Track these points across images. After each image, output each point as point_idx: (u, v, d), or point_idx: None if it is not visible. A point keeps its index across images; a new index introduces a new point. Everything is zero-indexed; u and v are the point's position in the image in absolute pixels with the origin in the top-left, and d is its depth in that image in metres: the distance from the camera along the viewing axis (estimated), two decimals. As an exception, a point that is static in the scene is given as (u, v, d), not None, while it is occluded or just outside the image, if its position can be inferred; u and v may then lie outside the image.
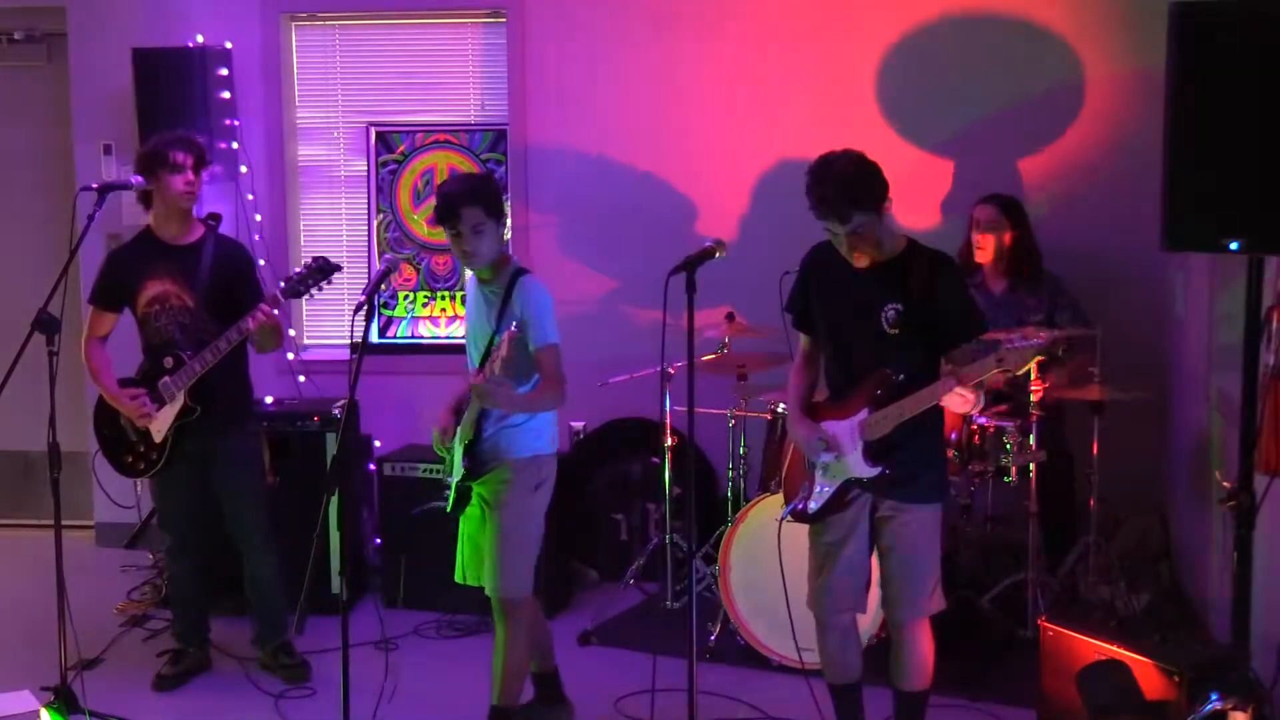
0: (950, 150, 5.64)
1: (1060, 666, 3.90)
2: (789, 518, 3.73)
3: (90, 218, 4.09)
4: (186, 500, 4.57)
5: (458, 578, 4.04)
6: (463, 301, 6.09)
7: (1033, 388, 4.62)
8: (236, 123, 5.74)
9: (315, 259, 4.34)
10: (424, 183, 6.11)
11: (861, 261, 3.50)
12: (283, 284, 4.33)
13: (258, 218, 5.94)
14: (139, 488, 5.72)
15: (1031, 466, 4.66)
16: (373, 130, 6.11)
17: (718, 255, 3.48)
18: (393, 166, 6.12)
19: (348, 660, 3.31)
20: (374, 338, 6.03)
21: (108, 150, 5.92)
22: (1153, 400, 5.12)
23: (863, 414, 3.51)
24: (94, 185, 4.17)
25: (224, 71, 5.68)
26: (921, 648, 3.62)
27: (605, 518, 5.61)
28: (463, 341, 6.10)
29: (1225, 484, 3.20)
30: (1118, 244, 5.38)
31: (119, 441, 4.52)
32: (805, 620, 3.80)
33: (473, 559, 3.97)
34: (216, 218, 4.63)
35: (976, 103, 5.59)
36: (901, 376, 3.47)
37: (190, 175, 4.39)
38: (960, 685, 4.26)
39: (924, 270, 3.48)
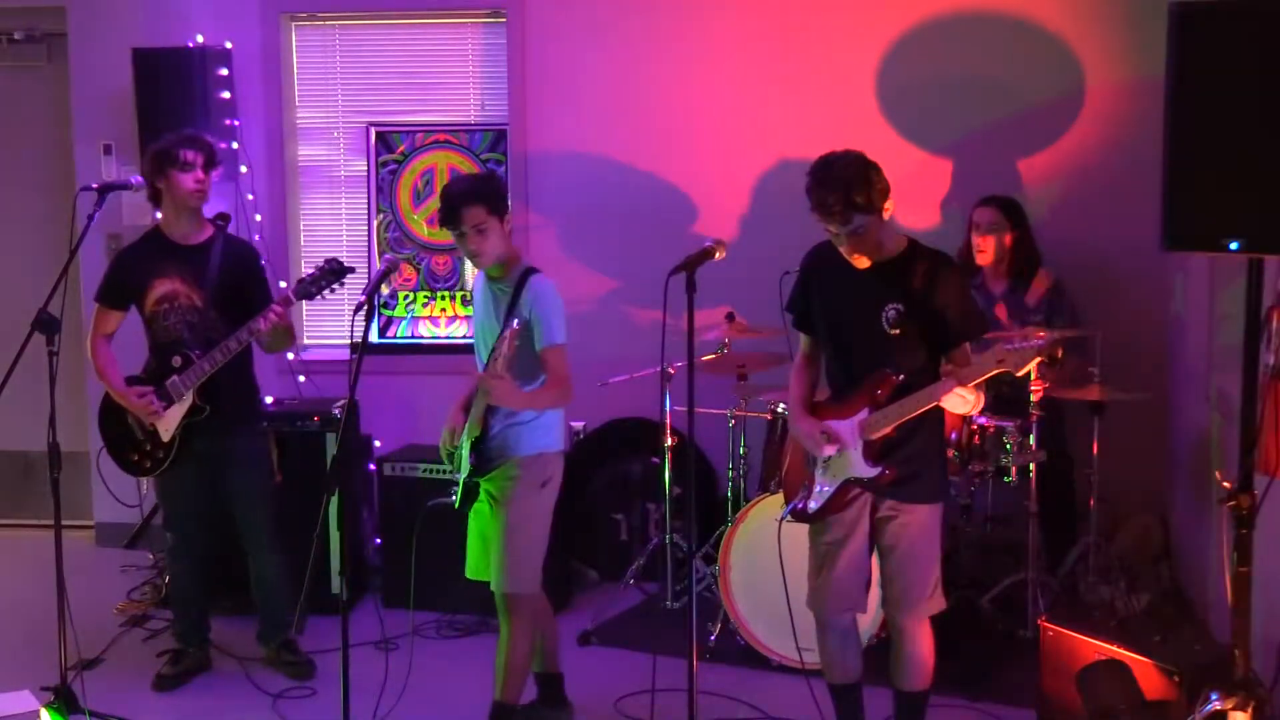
0: (950, 150, 5.64)
1: (1060, 666, 3.91)
2: (789, 517, 3.74)
3: (90, 218, 4.10)
4: (191, 500, 4.57)
5: (468, 573, 4.05)
6: (463, 301, 6.11)
7: (1033, 388, 4.62)
8: (236, 123, 5.74)
9: (328, 261, 4.35)
10: (424, 183, 6.11)
11: (862, 262, 3.50)
12: (295, 285, 4.33)
13: (258, 218, 5.93)
14: (144, 487, 5.72)
15: (1031, 466, 4.67)
16: (373, 130, 6.11)
17: (717, 255, 3.48)
18: (393, 166, 6.12)
19: (347, 660, 3.31)
20: (374, 338, 6.03)
21: (108, 150, 5.92)
22: (1153, 400, 5.12)
23: (863, 414, 3.51)
24: (94, 185, 4.18)
25: (224, 71, 5.68)
26: (921, 648, 3.63)
27: (605, 518, 5.61)
28: (463, 342, 6.17)
29: (1225, 484, 3.19)
30: (1118, 244, 5.38)
31: (125, 440, 4.52)
32: (805, 620, 3.80)
33: (482, 555, 3.98)
34: (225, 218, 4.64)
35: (976, 103, 5.59)
36: (902, 376, 3.47)
37: (200, 174, 4.40)
38: (960, 685, 4.26)
39: (925, 270, 3.48)
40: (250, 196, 5.88)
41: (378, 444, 5.64)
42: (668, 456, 4.96)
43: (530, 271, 3.88)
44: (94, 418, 6.01)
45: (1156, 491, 5.48)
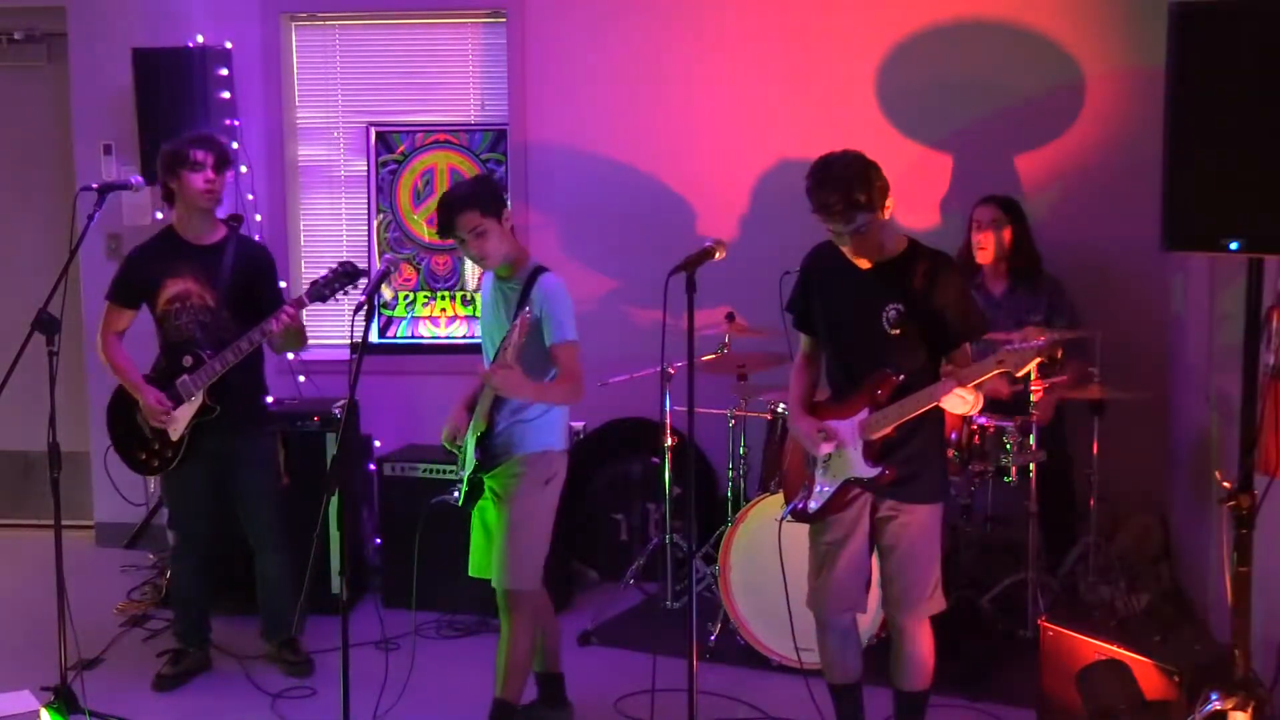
0: (950, 150, 5.64)
1: (1060, 666, 3.91)
2: (789, 517, 3.74)
3: (90, 218, 4.10)
4: (197, 499, 4.58)
5: (471, 571, 4.06)
6: (464, 301, 6.11)
7: (1033, 388, 4.62)
8: (236, 123, 5.74)
9: (341, 263, 4.37)
10: (424, 183, 6.11)
11: (865, 262, 3.50)
12: (308, 287, 4.34)
13: (258, 218, 5.93)
14: (151, 486, 5.72)
15: (1031, 466, 4.67)
16: (373, 130, 6.11)
17: (717, 255, 3.48)
18: (393, 166, 6.12)
19: (347, 660, 3.31)
20: (374, 338, 6.03)
21: (108, 150, 5.92)
22: (1153, 400, 5.12)
23: (863, 414, 3.51)
24: (94, 185, 4.17)
25: (224, 71, 5.68)
26: (922, 648, 3.63)
27: (605, 518, 5.62)
28: (463, 342, 6.17)
29: (1225, 484, 3.19)
30: (1118, 244, 5.38)
31: (133, 438, 4.53)
32: (805, 620, 3.80)
33: (486, 553, 3.99)
34: (238, 219, 4.65)
35: (976, 103, 5.59)
36: (902, 377, 3.47)
37: (210, 174, 4.41)
38: (960, 685, 4.26)
39: (925, 270, 3.48)
40: (250, 196, 5.88)
41: (378, 444, 5.64)
42: (668, 456, 4.96)
43: (540, 270, 3.88)
44: (94, 418, 6.06)
45: (1156, 491, 5.48)
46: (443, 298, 6.15)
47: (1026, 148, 5.58)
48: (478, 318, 5.99)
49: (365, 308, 3.55)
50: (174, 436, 4.44)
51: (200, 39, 5.65)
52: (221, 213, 4.65)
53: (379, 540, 5.41)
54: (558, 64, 5.87)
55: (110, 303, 4.55)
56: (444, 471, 5.07)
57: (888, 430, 3.48)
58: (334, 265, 4.36)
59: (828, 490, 3.60)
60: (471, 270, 6.08)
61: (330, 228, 6.17)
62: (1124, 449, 5.06)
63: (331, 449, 5.12)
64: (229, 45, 5.75)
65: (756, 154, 5.75)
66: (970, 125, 5.60)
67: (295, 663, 4.64)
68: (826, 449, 3.57)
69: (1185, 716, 3.38)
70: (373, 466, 5.47)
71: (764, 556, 4.10)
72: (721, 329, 5.11)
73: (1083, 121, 5.54)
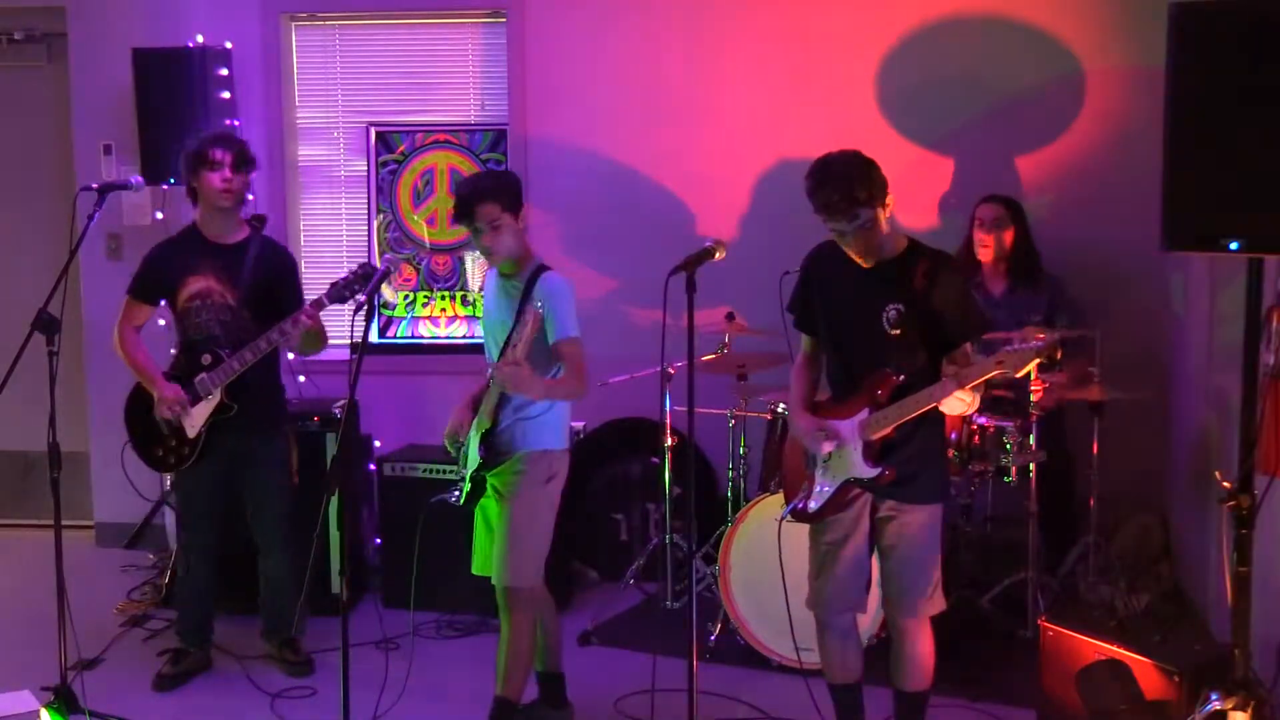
0: (950, 150, 5.64)
1: (1060, 666, 3.91)
2: (789, 517, 3.73)
3: (90, 218, 4.10)
4: (209, 499, 4.60)
5: (474, 569, 4.07)
6: (463, 301, 6.11)
7: (1033, 388, 4.62)
8: (236, 123, 5.74)
9: (361, 265, 4.38)
10: (424, 183, 6.11)
11: (866, 261, 3.50)
12: (328, 288, 4.34)
13: (240, 216, 5.92)
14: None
15: (1031, 466, 4.67)
16: (373, 130, 6.11)
17: (717, 255, 3.48)
18: (393, 166, 6.12)
19: (347, 660, 3.31)
20: (374, 338, 6.03)
21: (108, 150, 5.92)
22: (1153, 400, 5.12)
23: (863, 414, 3.51)
24: (94, 185, 4.17)
25: (224, 71, 5.68)
26: (922, 648, 3.63)
27: (605, 518, 5.61)
28: (463, 342, 6.16)
29: (1225, 484, 3.19)
30: (1117, 244, 5.38)
31: (151, 435, 4.54)
32: (805, 620, 3.80)
33: (489, 551, 3.99)
34: (262, 219, 4.67)
35: (976, 103, 5.59)
36: (902, 377, 3.47)
37: (228, 173, 4.43)
38: (960, 685, 4.26)
39: (925, 270, 3.48)
40: (250, 196, 5.87)
41: (378, 444, 5.65)
42: (668, 456, 4.96)
43: (542, 268, 3.91)
44: (94, 418, 6.06)
45: (1156, 491, 5.48)
46: (443, 298, 6.15)
47: (1026, 147, 5.58)
48: (478, 318, 6.01)
49: (365, 308, 3.55)
50: (191, 434, 4.45)
51: (200, 39, 5.65)
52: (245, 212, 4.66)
53: (379, 540, 5.41)
54: (558, 64, 5.87)
55: (130, 297, 4.57)
56: (444, 471, 5.07)
57: (887, 430, 3.48)
58: (354, 267, 4.37)
59: (828, 490, 3.60)
60: (475, 271, 6.08)
61: (330, 228, 6.17)
62: (1124, 449, 5.06)
63: (331, 449, 5.12)
64: (229, 45, 5.75)
65: (756, 154, 5.75)
66: (970, 125, 5.60)
67: (295, 663, 4.65)
68: (828, 448, 3.57)
69: (1185, 716, 3.38)
70: (373, 466, 5.47)
71: (764, 556, 4.10)
72: (721, 329, 5.10)
73: (1083, 121, 5.54)
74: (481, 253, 3.95)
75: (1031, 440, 4.61)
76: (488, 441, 3.88)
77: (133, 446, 4.62)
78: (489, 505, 3.99)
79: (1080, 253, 5.39)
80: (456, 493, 4.00)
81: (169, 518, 5.82)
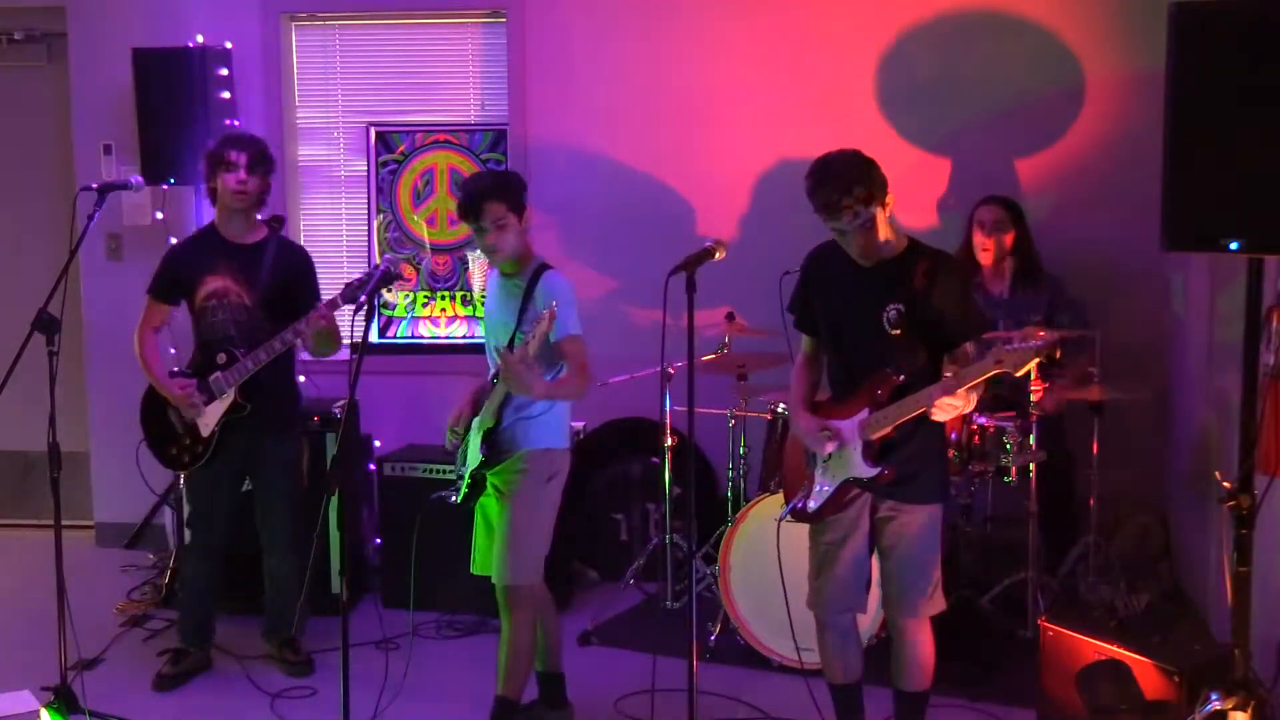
0: (949, 150, 5.64)
1: (1060, 666, 3.91)
2: (789, 517, 3.73)
3: (90, 218, 4.10)
4: (220, 499, 4.61)
5: (474, 569, 4.07)
6: (463, 301, 6.11)
7: (1033, 388, 4.62)
8: (236, 123, 5.73)
9: (376, 267, 4.36)
10: (424, 183, 6.11)
11: (866, 260, 3.51)
12: (342, 289, 4.35)
13: (258, 218, 5.92)
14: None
15: (1031, 466, 4.67)
16: (373, 130, 6.11)
17: (717, 255, 3.48)
18: (393, 166, 6.12)
19: (347, 660, 3.31)
20: (374, 338, 6.03)
21: (108, 150, 5.92)
22: (1153, 400, 5.12)
23: (863, 414, 3.51)
24: (94, 185, 4.18)
25: (224, 71, 5.68)
26: (922, 648, 3.63)
27: (605, 518, 5.61)
28: (463, 342, 6.16)
29: (1225, 484, 3.19)
30: (1118, 244, 5.38)
31: (165, 434, 4.56)
32: (805, 620, 3.80)
33: (489, 550, 4.00)
34: (280, 220, 4.69)
35: (976, 103, 5.59)
36: (903, 377, 3.47)
37: (242, 174, 4.45)
38: (960, 685, 4.26)
39: (926, 270, 3.48)
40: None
41: (378, 444, 5.64)
42: (668, 456, 4.96)
43: (544, 267, 3.92)
44: (94, 418, 6.06)
45: (1156, 491, 5.48)
46: (443, 298, 6.15)
47: (1026, 148, 5.58)
48: (478, 318, 6.01)
49: (365, 308, 3.56)
50: (204, 432, 4.47)
51: (200, 39, 5.65)
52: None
53: (379, 540, 5.41)
54: (558, 64, 5.87)
55: (149, 297, 4.62)
56: (444, 471, 5.07)
57: (887, 430, 3.48)
58: (369, 269, 4.37)
59: (827, 490, 3.60)
60: (476, 273, 6.07)
61: (330, 228, 6.17)
62: (1124, 449, 5.06)
63: (331, 449, 5.12)
64: (229, 45, 5.75)
65: (756, 154, 5.75)
66: (970, 125, 5.60)
67: (295, 663, 4.65)
68: (830, 448, 3.57)
69: (1185, 716, 3.38)
70: (373, 466, 5.47)
71: (764, 556, 4.09)
72: (721, 329, 5.11)
73: (1083, 121, 5.53)
74: (484, 252, 3.96)
75: (1031, 440, 4.61)
76: (490, 440, 3.88)
77: (148, 445, 4.65)
78: (489, 504, 4.00)
79: (1080, 253, 5.39)
80: (455, 492, 4.00)
81: (169, 518, 5.82)
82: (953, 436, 4.55)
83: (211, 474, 4.56)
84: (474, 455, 3.92)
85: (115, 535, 6.13)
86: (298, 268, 4.60)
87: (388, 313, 6.15)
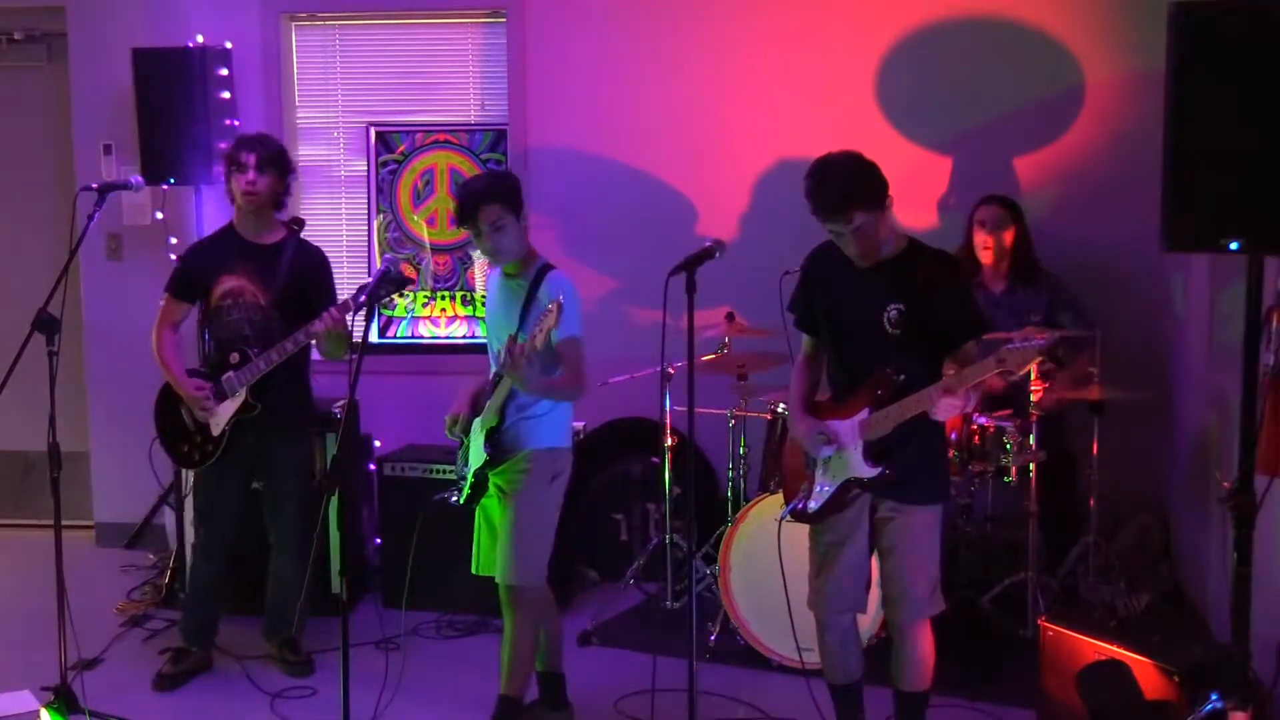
0: (950, 150, 5.64)
1: (1060, 666, 3.91)
2: (789, 517, 3.73)
3: (90, 218, 4.10)
4: (229, 498, 4.61)
5: (475, 569, 4.08)
6: (463, 301, 6.11)
7: (1033, 388, 4.62)
8: (236, 123, 5.73)
9: (386, 270, 4.37)
10: (424, 183, 6.11)
11: (864, 261, 3.51)
12: (355, 292, 4.35)
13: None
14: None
15: (1031, 466, 4.67)
16: (373, 130, 6.11)
17: (717, 255, 3.47)
18: (393, 166, 6.12)
19: (347, 660, 3.31)
20: (374, 338, 6.03)
21: (108, 150, 5.92)
22: (1153, 400, 5.12)
23: (864, 414, 3.51)
24: (94, 185, 4.17)
25: (224, 71, 5.68)
26: (922, 648, 3.62)
27: (605, 518, 5.61)
28: (463, 342, 6.15)
29: (1225, 484, 3.19)
30: (1118, 244, 5.38)
31: (177, 431, 4.57)
32: (805, 620, 3.80)
33: (490, 550, 4.00)
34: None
35: (976, 103, 5.58)
36: (903, 376, 3.47)
37: (251, 175, 4.46)
38: (960, 685, 4.26)
39: (926, 270, 3.49)
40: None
41: (378, 444, 5.65)
42: (668, 456, 4.96)
43: (547, 266, 3.91)
44: (94, 418, 6.06)
45: (1156, 491, 5.48)
46: (443, 298, 6.15)
47: (1026, 148, 5.58)
48: (478, 318, 6.01)
49: (365, 308, 3.55)
50: (215, 431, 4.48)
51: (200, 39, 5.65)
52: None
53: (379, 540, 5.41)
54: (558, 64, 5.87)
55: (167, 295, 4.63)
56: (444, 471, 5.08)
57: (888, 430, 3.47)
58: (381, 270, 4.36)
59: (828, 490, 3.60)
60: (479, 271, 6.08)
61: (330, 228, 6.16)
62: (1124, 449, 5.06)
63: (331, 449, 5.12)
64: (229, 45, 5.75)
65: (756, 154, 5.75)
66: (970, 125, 5.60)
67: (295, 663, 4.65)
68: (827, 452, 3.57)
69: (1185, 716, 3.38)
70: (373, 466, 5.47)
71: (764, 556, 4.10)
72: (721, 329, 5.11)
73: (1083, 122, 5.53)
74: (485, 254, 3.96)
75: (1031, 440, 4.61)
76: (493, 439, 3.88)
77: (160, 442, 4.67)
78: (491, 505, 3.99)
79: (1080, 252, 5.39)
80: (457, 492, 4.00)
81: (169, 518, 5.82)
82: (953, 436, 4.55)
83: (220, 473, 4.57)
84: (477, 455, 3.91)
85: (115, 535, 6.13)
86: (314, 270, 4.60)
87: (388, 313, 6.15)
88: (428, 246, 6.09)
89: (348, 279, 5.86)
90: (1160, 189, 3.15)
